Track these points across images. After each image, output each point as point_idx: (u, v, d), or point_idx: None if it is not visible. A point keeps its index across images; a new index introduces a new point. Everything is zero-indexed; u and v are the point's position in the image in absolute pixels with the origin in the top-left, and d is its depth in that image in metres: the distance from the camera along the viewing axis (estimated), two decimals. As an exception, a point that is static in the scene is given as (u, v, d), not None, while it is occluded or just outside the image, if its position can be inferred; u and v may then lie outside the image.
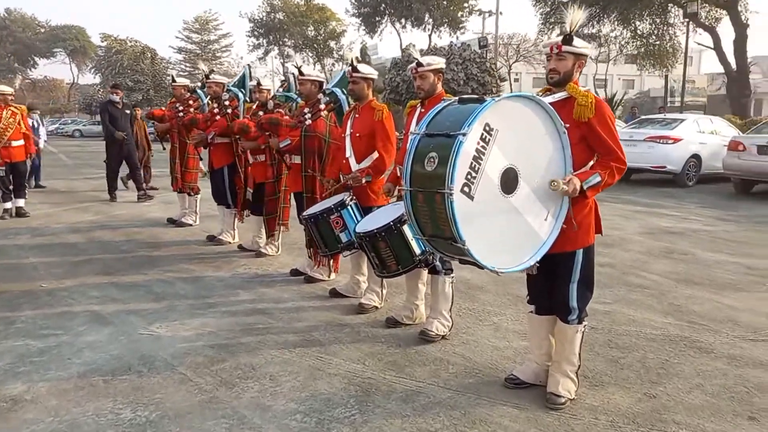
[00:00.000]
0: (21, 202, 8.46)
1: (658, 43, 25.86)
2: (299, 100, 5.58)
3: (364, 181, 4.26)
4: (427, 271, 3.96)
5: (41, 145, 12.05)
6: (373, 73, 4.38)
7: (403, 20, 40.26)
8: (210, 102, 6.68)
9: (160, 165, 12.36)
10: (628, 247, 6.50)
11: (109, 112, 9.68)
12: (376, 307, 4.40)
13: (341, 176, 4.45)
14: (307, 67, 5.11)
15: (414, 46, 27.46)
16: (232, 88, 6.35)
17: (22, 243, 6.70)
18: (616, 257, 6.04)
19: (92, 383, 3.23)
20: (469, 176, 2.46)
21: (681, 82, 22.88)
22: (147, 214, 8.66)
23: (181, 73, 47.60)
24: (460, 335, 3.91)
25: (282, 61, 49.12)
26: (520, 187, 2.62)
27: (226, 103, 6.23)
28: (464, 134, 2.41)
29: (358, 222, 4.13)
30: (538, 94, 2.82)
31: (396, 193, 4.00)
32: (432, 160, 2.51)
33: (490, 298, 4.72)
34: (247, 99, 6.25)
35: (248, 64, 7.61)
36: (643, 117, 15.87)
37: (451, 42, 29.95)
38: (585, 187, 2.72)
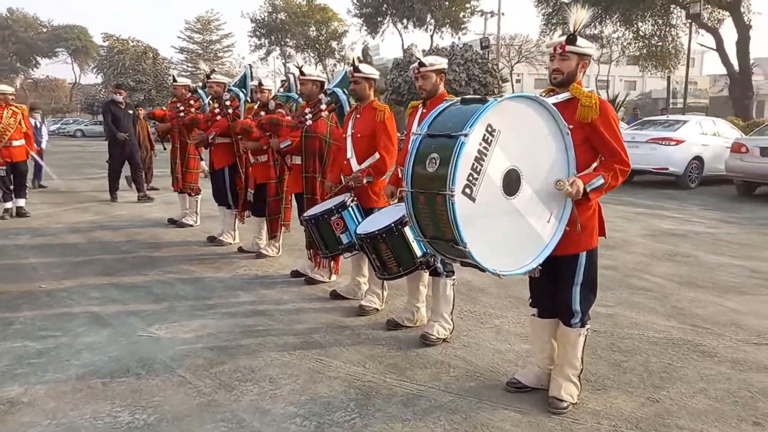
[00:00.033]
0: (21, 202, 8.45)
1: (660, 44, 25.77)
2: (300, 100, 5.56)
3: (365, 181, 4.23)
4: (428, 273, 3.93)
5: (43, 145, 12.05)
6: (374, 74, 4.34)
7: (404, 21, 40.29)
8: (211, 102, 6.67)
9: (161, 165, 12.35)
10: (630, 250, 6.47)
11: (111, 112, 9.66)
12: (377, 309, 4.37)
13: (342, 177, 4.42)
14: (308, 67, 5.08)
15: (416, 46, 27.35)
16: (233, 88, 6.34)
17: (22, 243, 6.68)
18: (619, 259, 6.00)
19: (90, 385, 3.20)
20: (470, 177, 2.43)
21: (683, 83, 22.79)
22: (147, 214, 8.64)
23: (183, 73, 47.72)
24: (461, 338, 3.88)
25: (284, 61, 49.14)
26: (523, 189, 2.59)
27: (227, 103, 6.22)
28: (466, 135, 2.37)
29: (359, 223, 4.10)
30: (540, 95, 2.79)
31: (397, 195, 3.97)
32: (433, 161, 2.47)
33: (492, 300, 4.69)
34: (248, 99, 6.23)
35: (249, 64, 7.60)
36: (646, 118, 15.84)
37: (453, 43, 29.94)
38: (588, 190, 2.70)
